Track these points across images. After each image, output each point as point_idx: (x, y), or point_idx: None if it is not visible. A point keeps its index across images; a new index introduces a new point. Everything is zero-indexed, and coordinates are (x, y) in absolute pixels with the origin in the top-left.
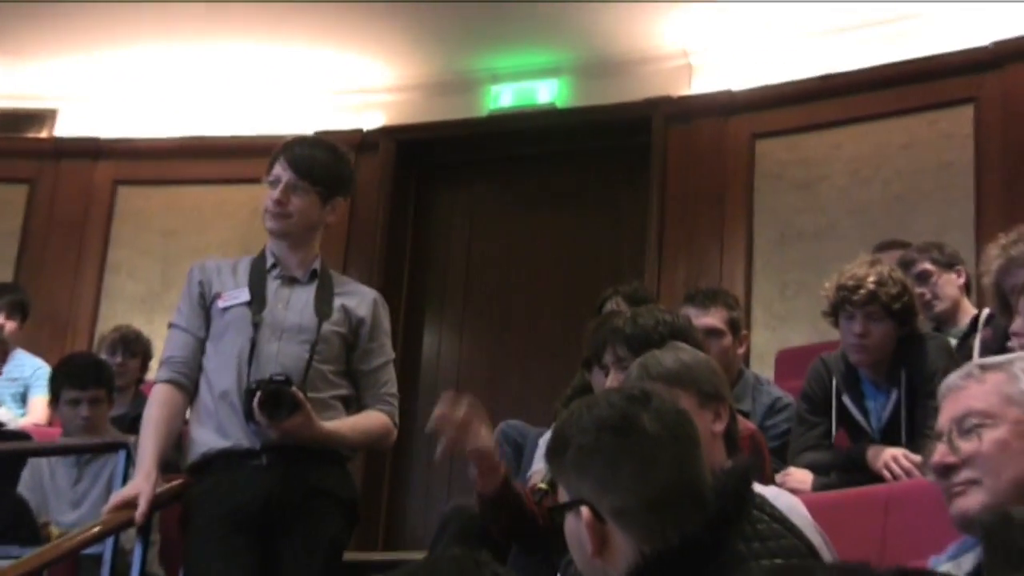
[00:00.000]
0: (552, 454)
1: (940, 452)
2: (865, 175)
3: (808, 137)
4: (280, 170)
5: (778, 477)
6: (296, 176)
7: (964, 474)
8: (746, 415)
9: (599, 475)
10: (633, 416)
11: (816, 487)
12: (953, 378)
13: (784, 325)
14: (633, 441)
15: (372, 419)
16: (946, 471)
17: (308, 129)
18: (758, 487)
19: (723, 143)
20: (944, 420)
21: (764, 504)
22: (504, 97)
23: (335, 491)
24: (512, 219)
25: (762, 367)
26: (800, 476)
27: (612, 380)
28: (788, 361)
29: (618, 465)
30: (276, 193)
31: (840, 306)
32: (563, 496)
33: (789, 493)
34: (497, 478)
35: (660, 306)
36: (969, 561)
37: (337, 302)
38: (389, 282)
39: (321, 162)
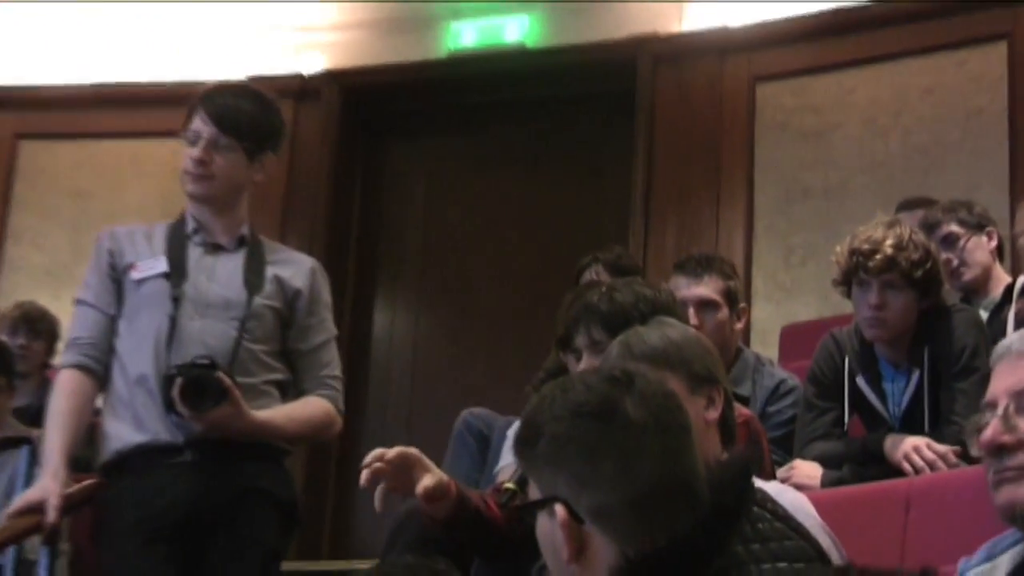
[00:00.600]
0: (521, 445)
1: (993, 429)
2: (883, 124)
3: (817, 80)
4: (199, 124)
5: (782, 471)
6: (218, 131)
7: (1021, 457)
8: (745, 401)
9: (575, 469)
10: (614, 400)
11: (826, 482)
12: (1014, 342)
13: (789, 297)
14: (615, 429)
15: (312, 406)
16: (998, 451)
17: (239, 74)
18: (759, 482)
19: (719, 88)
20: (998, 391)
21: (766, 501)
22: (466, 36)
23: (271, 491)
24: (477, 178)
25: (764, 345)
26: (807, 470)
27: (586, 366)
28: (794, 338)
29: (597, 457)
30: (196, 151)
31: (853, 274)
32: (534, 493)
33: (794, 489)
34: (448, 503)
35: (640, 279)
36: (1007, 562)
37: (269, 272)
38: (334, 252)
39: (247, 113)
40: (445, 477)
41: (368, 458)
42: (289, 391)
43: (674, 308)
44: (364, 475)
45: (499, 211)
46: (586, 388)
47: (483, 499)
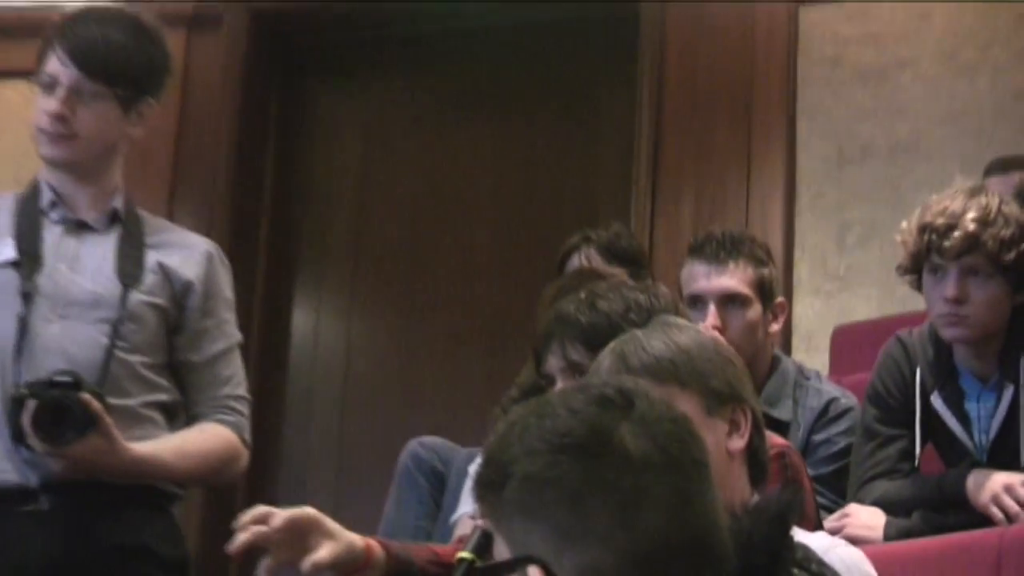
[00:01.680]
0: (483, 488)
1: None
2: (966, 61)
3: (880, 5)
4: (56, 66)
5: (831, 520)
6: (82, 74)
7: None
8: (783, 426)
9: (556, 519)
10: (607, 428)
11: (891, 533)
12: None
13: (843, 289)
14: (608, 466)
15: (210, 437)
16: None
17: None
18: (799, 534)
19: (751, 14)
20: None
21: (810, 560)
22: None
23: (154, 549)
24: (430, 133)
25: (809, 353)
26: (866, 518)
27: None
28: (849, 343)
29: (586, 503)
30: (53, 103)
31: (925, 257)
32: (501, 552)
33: (848, 544)
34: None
35: (628, 283)
36: None
37: (151, 259)
38: (239, 231)
39: (120, 48)
40: (358, 543)
41: (245, 517)
42: (178, 416)
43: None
44: (237, 540)
45: (459, 176)
46: (570, 412)
47: (434, 560)
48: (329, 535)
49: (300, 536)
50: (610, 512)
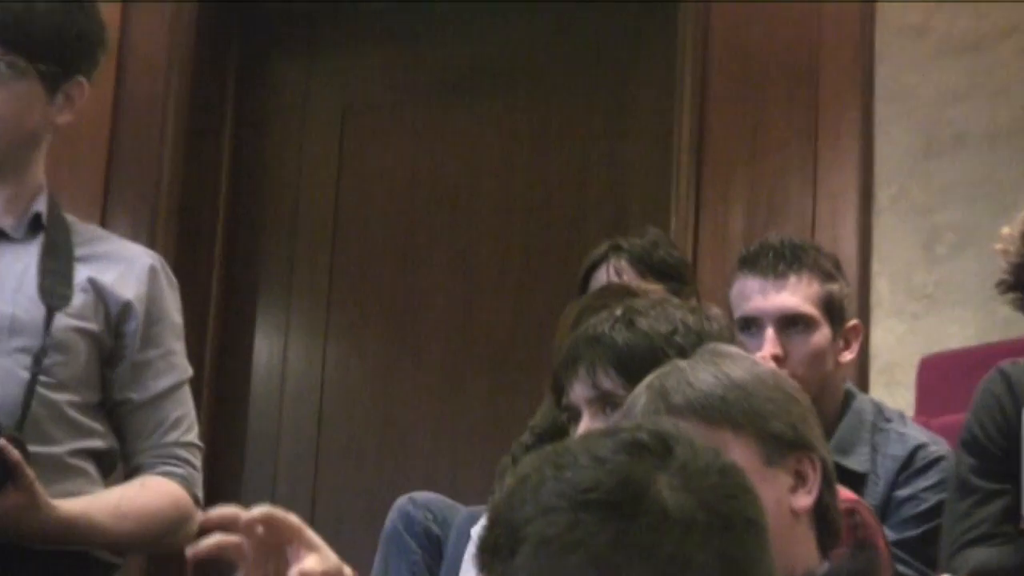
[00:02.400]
0: (489, 555)
1: None
2: None
3: None
4: None
5: None
6: None
7: None
8: (857, 479)
9: None
10: (640, 481)
11: None
12: None
13: (932, 310)
14: (642, 528)
15: (153, 493)
16: None
17: None
18: None
19: None
20: None
21: None
22: None
23: None
24: (420, 121)
25: (891, 390)
26: None
27: (585, 430)
28: (939, 377)
29: (615, 574)
30: None
31: None
32: None
33: None
34: None
35: (673, 300)
36: None
37: (81, 274)
38: (189, 240)
39: (43, 16)
40: (347, 571)
41: (212, 516)
42: (115, 467)
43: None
44: (200, 545)
45: (458, 173)
46: (595, 462)
47: None
48: (314, 548)
49: (277, 546)
50: None
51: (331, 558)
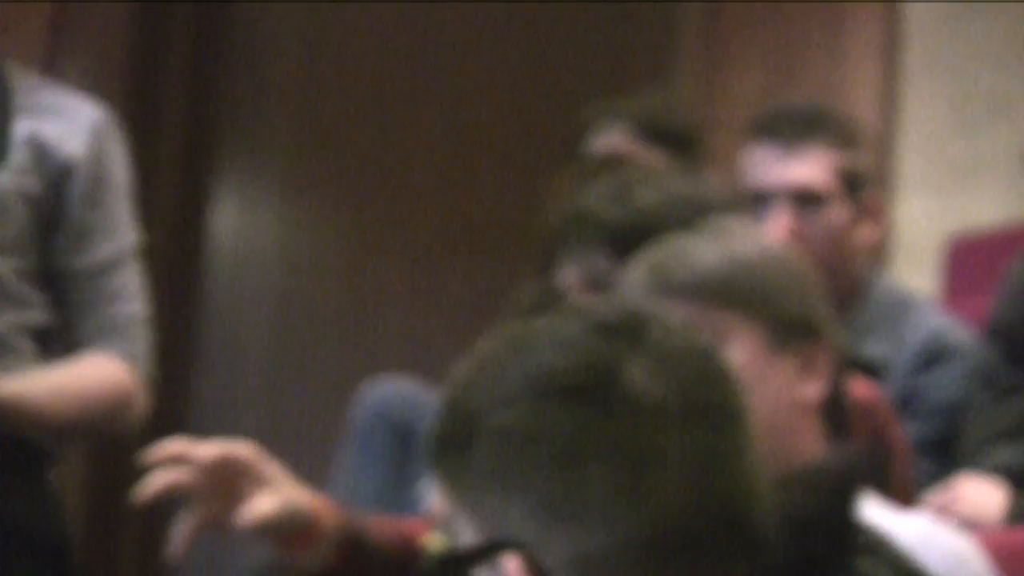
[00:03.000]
0: (442, 448)
1: None
2: None
3: None
4: None
5: (937, 498)
6: None
7: None
8: (875, 368)
9: (543, 489)
10: (609, 366)
11: (1016, 514)
12: None
13: (963, 185)
14: (611, 417)
15: (96, 371)
16: None
17: None
18: (882, 514)
19: None
20: None
21: (881, 547)
22: None
23: (22, 524)
24: None
25: (915, 269)
26: (983, 493)
27: None
28: (969, 258)
29: (580, 468)
30: None
31: None
32: (467, 534)
33: (952, 532)
34: (322, 546)
35: (669, 170)
36: None
37: (22, 128)
38: (142, 92)
39: None
40: (304, 502)
41: (160, 451)
42: (56, 343)
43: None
44: (149, 485)
45: (446, 26)
46: (559, 345)
47: (398, 539)
48: (267, 483)
49: (229, 481)
50: (613, 479)
51: (286, 493)
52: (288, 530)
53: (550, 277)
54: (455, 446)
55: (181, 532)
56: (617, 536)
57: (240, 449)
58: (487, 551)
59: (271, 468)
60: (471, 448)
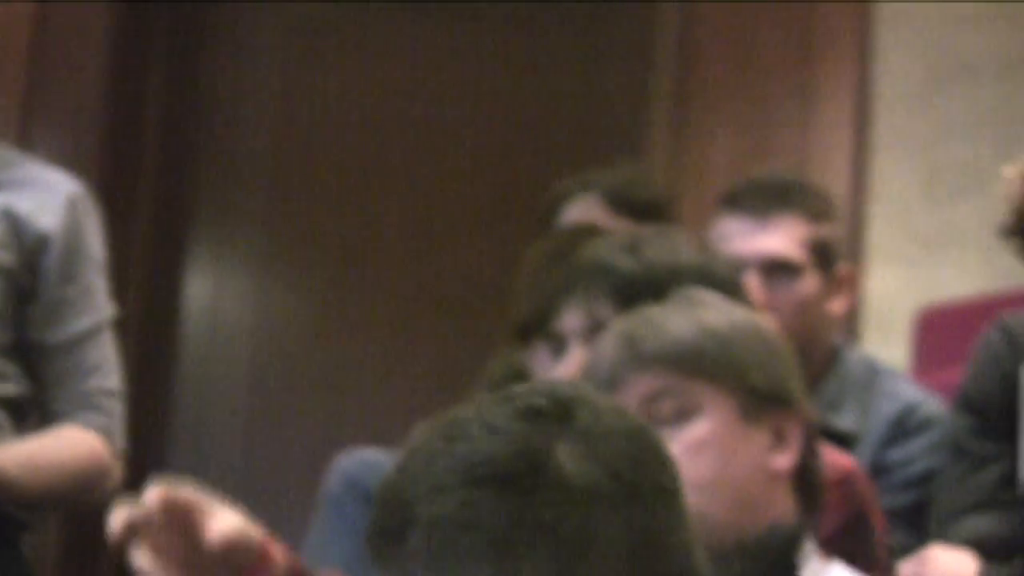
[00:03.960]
0: (379, 539)
1: None
2: None
3: None
4: None
5: (906, 567)
6: None
7: None
8: (847, 440)
9: None
10: (538, 451)
11: None
12: None
13: (932, 257)
14: (542, 503)
15: (70, 444)
16: None
17: None
18: None
19: None
20: None
21: None
22: None
23: None
24: (375, 34)
25: (885, 343)
26: (953, 564)
27: (576, 363)
28: (938, 329)
29: (513, 553)
30: None
31: None
32: None
33: None
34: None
35: (680, 232)
36: None
37: None
38: (115, 167)
39: None
40: (257, 532)
41: (116, 515)
42: (29, 416)
43: (740, 290)
44: (115, 521)
45: (416, 94)
46: (488, 432)
47: None
48: (213, 514)
49: (182, 516)
50: (547, 563)
51: (237, 520)
52: (243, 557)
53: (546, 320)
54: (391, 537)
55: (140, 561)
56: None
57: (184, 490)
58: None
59: (211, 501)
60: (406, 539)
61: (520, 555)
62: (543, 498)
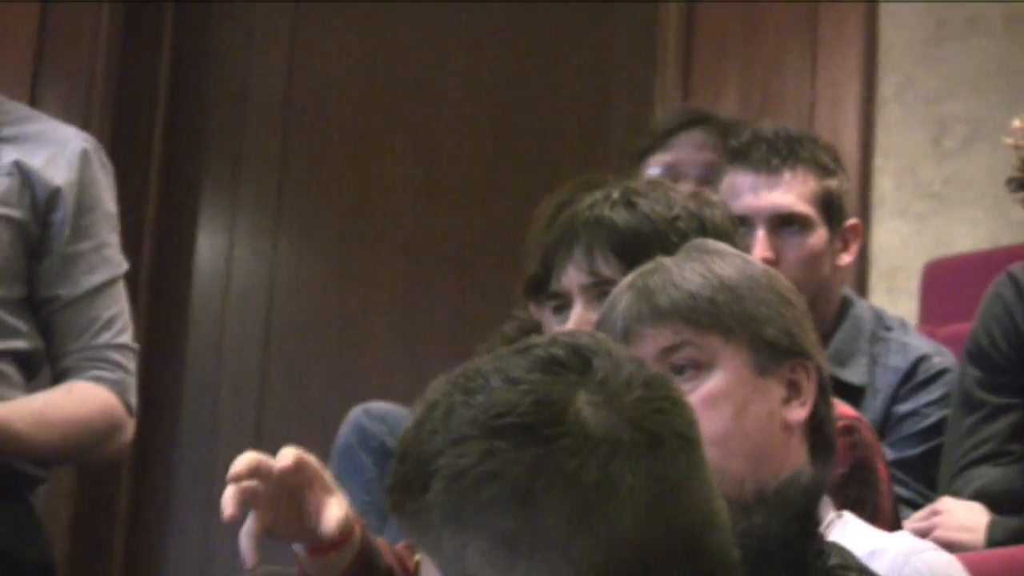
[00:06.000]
0: (399, 493)
1: None
2: None
3: None
4: None
5: (917, 518)
6: None
7: None
8: (854, 392)
9: (498, 527)
10: (558, 401)
11: (996, 536)
12: None
13: (940, 210)
14: (562, 452)
15: (81, 400)
16: None
17: None
18: (864, 534)
19: None
20: None
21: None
22: None
23: (8, 549)
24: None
25: (893, 296)
26: (963, 515)
27: (578, 320)
28: (946, 282)
29: (534, 504)
30: None
31: None
32: (428, 573)
33: (936, 549)
34: (343, 554)
35: (670, 183)
36: None
37: (6, 156)
38: (127, 120)
39: None
40: (349, 509)
41: (237, 466)
42: (40, 371)
43: (734, 236)
44: (228, 498)
45: (422, 54)
46: (507, 383)
47: (397, 557)
48: (330, 490)
49: (294, 487)
50: (568, 512)
51: (343, 500)
52: (335, 537)
53: (548, 278)
54: (411, 490)
55: (248, 540)
56: (574, 566)
57: (310, 457)
58: None
59: (329, 476)
60: (427, 492)
61: (540, 504)
62: (563, 447)
